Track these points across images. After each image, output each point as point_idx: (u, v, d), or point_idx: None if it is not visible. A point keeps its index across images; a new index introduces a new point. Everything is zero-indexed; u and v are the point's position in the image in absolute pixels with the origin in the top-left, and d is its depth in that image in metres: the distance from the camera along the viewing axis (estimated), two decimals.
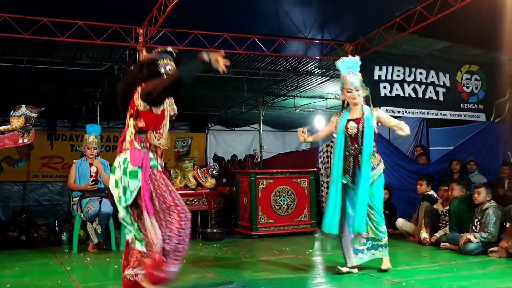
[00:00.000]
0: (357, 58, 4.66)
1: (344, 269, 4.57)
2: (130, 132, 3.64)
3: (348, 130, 4.55)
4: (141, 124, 3.61)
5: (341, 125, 4.60)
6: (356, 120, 4.54)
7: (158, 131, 3.67)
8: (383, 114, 4.65)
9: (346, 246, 4.63)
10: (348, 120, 4.57)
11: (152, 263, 3.39)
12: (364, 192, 4.44)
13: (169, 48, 3.80)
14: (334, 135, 4.74)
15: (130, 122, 3.64)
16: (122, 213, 3.55)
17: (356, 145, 4.53)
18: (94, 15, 7.20)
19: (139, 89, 3.59)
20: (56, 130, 12.36)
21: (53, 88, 10.57)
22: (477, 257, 5.33)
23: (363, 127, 4.49)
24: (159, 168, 3.65)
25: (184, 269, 4.93)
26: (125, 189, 3.53)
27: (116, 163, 3.65)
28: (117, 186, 3.57)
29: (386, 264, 4.62)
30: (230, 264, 5.28)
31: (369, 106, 4.63)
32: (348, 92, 4.58)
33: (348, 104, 4.72)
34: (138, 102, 3.58)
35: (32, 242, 9.52)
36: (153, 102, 3.59)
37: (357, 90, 4.55)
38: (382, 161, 4.69)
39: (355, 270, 4.59)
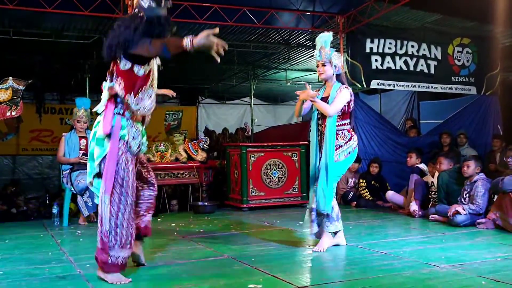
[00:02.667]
0: (331, 33, 4.65)
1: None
2: (104, 94, 3.45)
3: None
4: (118, 87, 3.35)
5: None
6: (324, 98, 4.56)
7: (137, 95, 3.35)
8: (339, 96, 4.47)
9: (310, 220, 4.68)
10: (321, 98, 4.57)
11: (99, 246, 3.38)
12: (323, 172, 4.42)
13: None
14: None
15: (106, 84, 3.45)
16: (89, 179, 3.49)
17: (324, 123, 4.55)
18: None
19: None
20: (44, 103, 12.26)
21: (41, 60, 10.44)
22: (465, 229, 5.41)
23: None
24: (131, 138, 3.42)
25: (175, 241, 4.99)
26: (92, 155, 3.46)
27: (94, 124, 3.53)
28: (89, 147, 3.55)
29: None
30: (221, 236, 5.32)
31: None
32: (316, 66, 4.65)
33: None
34: (118, 59, 3.32)
35: (22, 215, 9.53)
36: (136, 60, 3.29)
37: (324, 65, 4.56)
38: (354, 139, 4.60)
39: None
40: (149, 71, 3.39)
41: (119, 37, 3.26)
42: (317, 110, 4.57)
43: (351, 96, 4.53)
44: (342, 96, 4.46)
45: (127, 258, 3.47)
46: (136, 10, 3.36)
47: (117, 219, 3.34)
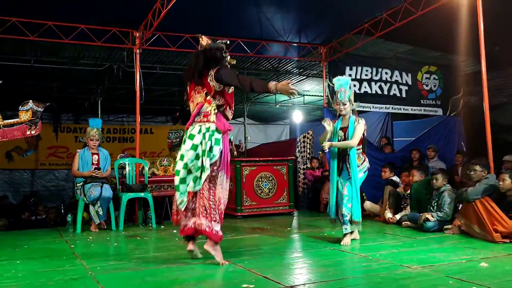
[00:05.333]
0: (349, 78, 5.20)
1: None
2: (212, 107, 3.93)
3: (338, 136, 4.97)
4: (220, 101, 3.95)
5: (335, 132, 5.01)
6: (343, 129, 4.96)
7: (232, 107, 4.06)
8: (357, 128, 4.89)
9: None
10: (340, 128, 4.97)
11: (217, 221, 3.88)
12: (356, 188, 4.88)
13: (225, 41, 4.10)
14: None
15: (210, 98, 3.92)
16: (207, 173, 3.86)
17: (342, 148, 4.93)
18: (95, 20, 7.12)
19: (212, 72, 3.88)
20: (61, 123, 12.22)
21: (58, 85, 10.44)
22: (434, 234, 5.41)
23: (347, 135, 4.89)
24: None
25: (177, 246, 4.95)
26: (205, 152, 3.87)
27: (194, 131, 3.94)
28: (195, 149, 3.89)
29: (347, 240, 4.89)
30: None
31: (357, 116, 5.00)
32: (337, 105, 4.99)
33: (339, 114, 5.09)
34: (213, 83, 3.88)
35: (41, 223, 9.43)
36: (225, 84, 3.93)
37: (344, 104, 4.95)
38: (367, 160, 5.08)
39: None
40: (233, 90, 4.07)
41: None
42: (338, 138, 4.96)
43: (365, 126, 4.95)
44: (360, 127, 4.89)
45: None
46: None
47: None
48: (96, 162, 6.46)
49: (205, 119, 3.95)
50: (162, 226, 6.76)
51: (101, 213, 6.26)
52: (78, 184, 6.43)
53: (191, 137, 3.95)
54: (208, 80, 3.91)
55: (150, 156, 11.95)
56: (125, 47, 7.94)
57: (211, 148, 3.88)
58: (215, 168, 3.92)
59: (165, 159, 7.79)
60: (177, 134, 13.58)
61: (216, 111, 3.95)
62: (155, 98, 11.71)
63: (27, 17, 6.78)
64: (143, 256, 4.48)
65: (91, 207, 6.27)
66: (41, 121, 6.14)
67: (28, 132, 5.89)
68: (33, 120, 5.90)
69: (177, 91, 11.75)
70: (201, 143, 3.90)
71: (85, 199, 6.29)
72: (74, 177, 6.59)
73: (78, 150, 6.63)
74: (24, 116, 5.87)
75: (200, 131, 3.92)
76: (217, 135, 3.91)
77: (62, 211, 10.50)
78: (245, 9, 7.10)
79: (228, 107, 4.05)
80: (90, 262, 4.17)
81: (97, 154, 6.52)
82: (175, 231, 6.23)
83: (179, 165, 3.97)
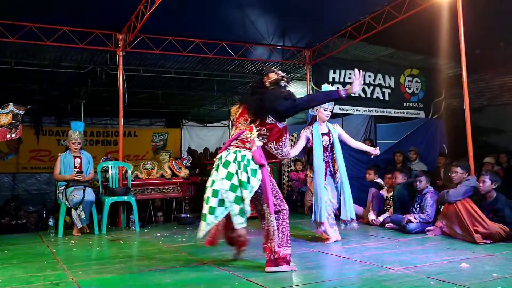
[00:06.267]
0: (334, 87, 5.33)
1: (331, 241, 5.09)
2: (253, 134, 3.76)
3: (323, 142, 5.12)
4: (263, 132, 3.79)
5: (318, 138, 5.11)
6: (327, 134, 5.15)
7: (279, 143, 3.85)
8: (342, 131, 5.28)
9: (328, 227, 5.14)
10: (322, 134, 5.12)
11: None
12: (347, 188, 5.19)
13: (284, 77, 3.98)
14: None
15: (253, 126, 3.79)
16: (246, 205, 3.68)
17: (327, 153, 5.14)
18: (77, 22, 7.05)
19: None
20: (42, 126, 12.04)
21: (40, 88, 10.32)
22: (417, 235, 5.46)
23: (333, 139, 5.13)
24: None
25: (161, 250, 4.92)
26: (243, 183, 3.65)
27: (229, 158, 3.72)
28: (230, 178, 3.67)
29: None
30: (202, 245, 5.24)
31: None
32: (324, 110, 5.18)
33: (315, 120, 5.24)
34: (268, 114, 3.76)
35: (22, 227, 9.28)
36: (281, 117, 3.80)
37: (331, 111, 5.25)
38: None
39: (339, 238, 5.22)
40: (285, 125, 3.91)
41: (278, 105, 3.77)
42: (324, 145, 5.11)
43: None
44: (342, 130, 5.34)
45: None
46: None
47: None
48: (79, 166, 6.40)
49: (242, 145, 3.76)
50: (145, 230, 6.71)
51: (83, 217, 6.19)
52: (60, 188, 6.36)
53: (226, 164, 3.71)
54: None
55: (134, 159, 11.85)
56: (108, 50, 7.88)
57: (248, 179, 3.66)
58: (257, 203, 3.80)
59: (149, 162, 7.75)
60: (161, 137, 13.53)
61: (255, 139, 3.74)
62: (138, 101, 11.65)
63: (7, 18, 6.69)
64: (126, 260, 4.45)
65: (73, 211, 6.20)
66: (22, 124, 6.06)
67: (8, 136, 5.81)
68: (14, 123, 5.82)
69: (160, 94, 11.71)
70: (236, 173, 3.67)
71: (67, 203, 6.21)
72: (56, 180, 6.51)
73: (60, 154, 6.56)
74: (4, 119, 5.79)
75: (235, 159, 3.70)
76: (253, 165, 3.68)
77: (44, 215, 10.35)
78: (229, 11, 7.10)
79: (270, 143, 3.84)
80: (71, 266, 4.12)
81: (79, 157, 6.46)
82: (158, 234, 6.19)
83: (209, 192, 3.75)
